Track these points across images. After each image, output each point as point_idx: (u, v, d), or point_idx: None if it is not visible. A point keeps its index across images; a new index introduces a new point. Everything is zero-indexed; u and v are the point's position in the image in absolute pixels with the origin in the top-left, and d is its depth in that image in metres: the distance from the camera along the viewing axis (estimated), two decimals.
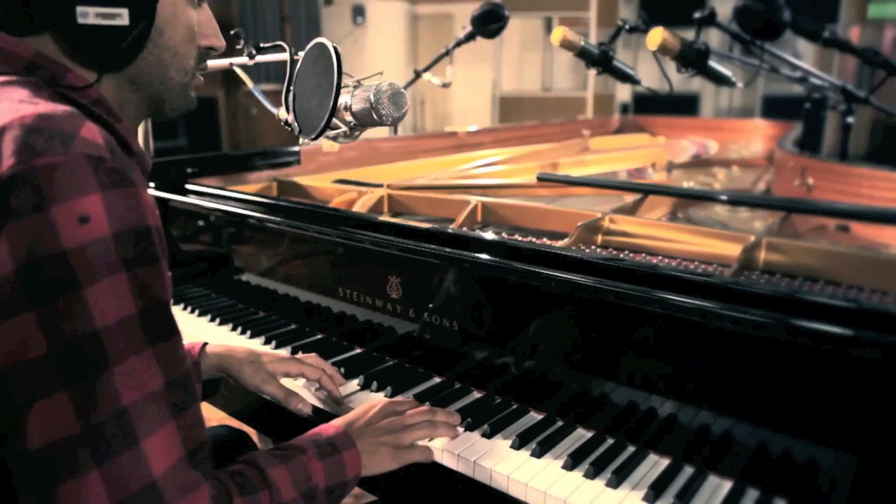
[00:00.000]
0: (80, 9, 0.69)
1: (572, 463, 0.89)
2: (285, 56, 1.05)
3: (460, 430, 0.99)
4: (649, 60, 1.85)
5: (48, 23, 0.70)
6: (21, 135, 0.60)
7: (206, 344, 1.10)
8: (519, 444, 0.94)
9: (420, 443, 0.94)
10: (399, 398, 1.06)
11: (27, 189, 0.58)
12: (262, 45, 1.26)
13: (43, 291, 0.58)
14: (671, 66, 1.78)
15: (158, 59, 0.77)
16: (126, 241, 0.62)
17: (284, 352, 1.27)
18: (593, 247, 1.26)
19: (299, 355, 1.11)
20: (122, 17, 0.71)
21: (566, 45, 1.84)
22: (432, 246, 1.12)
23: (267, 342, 1.31)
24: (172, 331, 0.67)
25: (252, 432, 1.34)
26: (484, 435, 0.97)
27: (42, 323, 0.58)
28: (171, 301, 0.68)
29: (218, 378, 1.11)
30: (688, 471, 0.89)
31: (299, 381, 1.12)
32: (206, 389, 1.09)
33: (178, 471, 0.63)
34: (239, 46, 1.27)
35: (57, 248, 0.58)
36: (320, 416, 1.06)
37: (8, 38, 0.70)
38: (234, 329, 1.38)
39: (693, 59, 1.71)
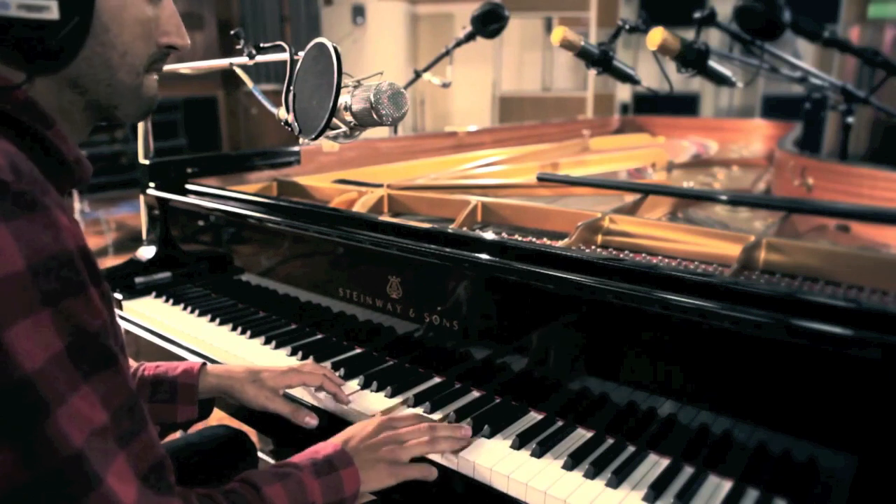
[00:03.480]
0: None
1: (572, 463, 0.89)
2: (285, 56, 1.05)
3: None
4: (649, 60, 1.85)
5: None
6: None
7: (204, 364, 1.08)
8: (519, 444, 0.94)
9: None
10: (397, 413, 1.04)
11: None
12: (262, 45, 1.26)
13: None
14: (671, 66, 1.78)
15: (104, 60, 0.68)
16: (44, 273, 0.55)
17: (284, 351, 1.27)
18: (593, 247, 1.26)
19: (296, 364, 1.10)
20: (51, 10, 0.61)
21: (566, 45, 1.83)
22: (432, 246, 1.12)
23: (267, 342, 1.31)
24: (108, 358, 0.61)
25: (251, 432, 1.34)
26: (484, 435, 0.97)
27: None
28: (106, 324, 0.62)
29: (211, 399, 1.09)
30: (688, 471, 0.89)
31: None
32: (200, 408, 1.07)
33: (142, 498, 0.60)
34: (239, 46, 1.27)
35: None
36: (322, 416, 1.06)
37: None
38: (234, 329, 1.38)
39: (693, 59, 1.71)
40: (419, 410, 1.05)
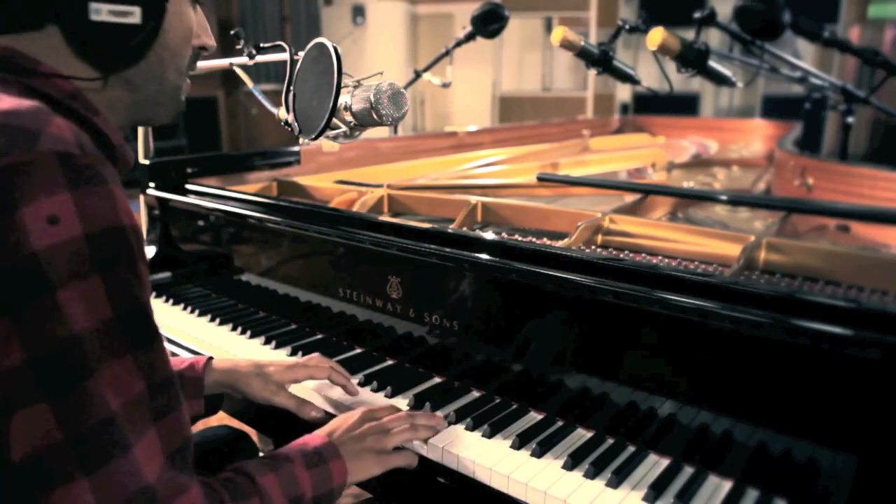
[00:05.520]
0: (92, 5, 0.66)
1: (572, 463, 0.89)
2: (285, 56, 1.05)
3: (460, 427, 0.99)
4: (649, 60, 1.85)
5: (56, 18, 0.67)
6: None
7: (210, 359, 1.09)
8: (519, 444, 0.94)
9: (409, 444, 0.95)
10: (377, 405, 1.04)
11: None
12: (262, 45, 1.26)
13: (15, 297, 0.56)
14: (671, 66, 1.78)
15: (159, 60, 0.75)
16: (99, 242, 0.59)
17: (284, 352, 1.27)
18: (593, 247, 1.26)
19: (302, 359, 1.11)
20: (135, 15, 0.69)
21: (566, 45, 1.83)
22: (432, 246, 1.12)
23: (267, 342, 1.31)
24: (153, 333, 0.65)
25: (252, 432, 1.34)
26: (484, 435, 0.97)
27: (16, 330, 0.56)
28: (150, 302, 0.66)
29: (220, 394, 1.10)
30: (688, 471, 0.89)
31: (308, 383, 1.11)
32: (208, 405, 1.07)
33: (166, 474, 0.62)
34: (239, 46, 1.27)
35: (26, 251, 0.56)
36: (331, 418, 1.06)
37: None
38: (234, 329, 1.38)
39: (693, 59, 1.71)
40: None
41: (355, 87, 0.98)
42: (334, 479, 0.85)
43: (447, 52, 2.43)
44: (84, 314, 0.58)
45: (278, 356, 1.26)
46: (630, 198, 1.50)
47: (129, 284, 0.62)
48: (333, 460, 0.86)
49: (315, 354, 1.14)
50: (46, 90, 0.67)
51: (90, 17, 0.66)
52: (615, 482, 0.86)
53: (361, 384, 1.13)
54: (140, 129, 1.72)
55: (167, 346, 1.40)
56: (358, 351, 1.27)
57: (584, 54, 1.87)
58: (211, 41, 0.83)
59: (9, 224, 0.55)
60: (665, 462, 0.91)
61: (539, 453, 0.92)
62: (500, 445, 0.95)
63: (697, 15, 1.77)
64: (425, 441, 0.95)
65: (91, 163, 0.60)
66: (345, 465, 0.86)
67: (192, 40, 0.80)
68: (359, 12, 8.09)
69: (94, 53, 0.69)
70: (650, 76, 2.08)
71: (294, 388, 1.09)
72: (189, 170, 1.70)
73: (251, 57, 1.28)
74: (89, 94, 0.71)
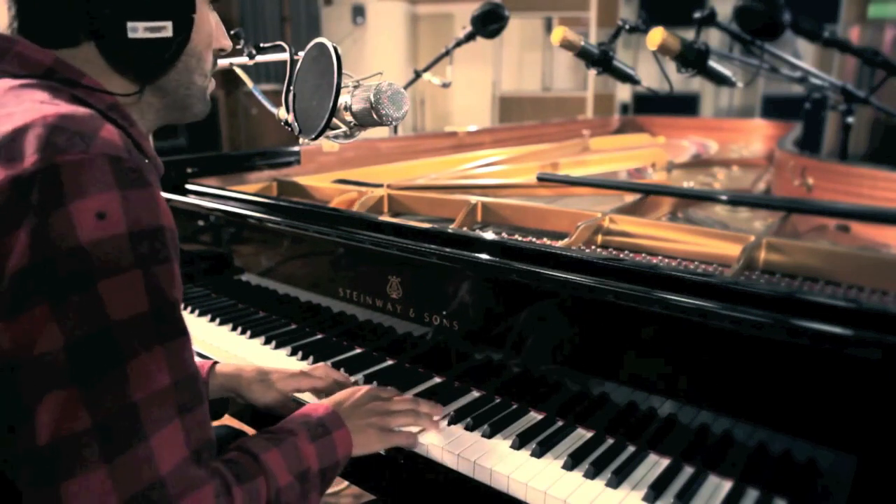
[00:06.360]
0: (130, 24, 0.72)
1: (572, 463, 0.89)
2: (285, 56, 1.05)
3: (459, 428, 0.99)
4: (649, 60, 1.85)
5: (93, 37, 0.72)
6: (44, 133, 0.61)
7: (215, 363, 1.10)
8: (519, 444, 0.94)
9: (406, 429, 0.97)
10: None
11: (49, 185, 0.59)
12: (262, 45, 1.26)
13: (59, 285, 0.59)
14: (671, 66, 1.78)
15: (186, 66, 0.79)
16: (140, 240, 0.63)
17: (284, 352, 1.27)
18: (593, 247, 1.26)
19: (307, 368, 1.11)
20: (167, 29, 0.74)
21: (566, 45, 1.83)
22: (432, 246, 1.12)
23: (267, 342, 1.31)
24: (181, 331, 0.67)
25: (252, 432, 1.34)
26: (484, 435, 0.97)
27: (57, 316, 0.59)
28: (181, 302, 0.69)
29: (226, 398, 1.11)
30: (688, 471, 0.89)
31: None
32: (213, 409, 1.08)
33: (183, 469, 0.64)
34: (239, 46, 1.27)
35: (74, 242, 0.59)
36: None
37: (29, 45, 0.72)
38: (234, 329, 1.38)
39: (693, 59, 1.71)
40: None
41: (355, 87, 0.98)
42: (339, 450, 0.86)
43: (447, 52, 2.43)
44: (121, 306, 0.61)
45: (278, 356, 1.26)
46: (630, 198, 1.50)
47: (164, 282, 0.65)
48: (337, 430, 0.87)
49: (320, 365, 1.14)
50: (88, 100, 0.72)
51: (128, 36, 0.72)
52: (615, 482, 0.86)
53: (362, 384, 1.13)
54: None
55: None
56: (358, 351, 1.27)
57: (584, 54, 1.87)
58: (228, 42, 0.87)
59: (61, 216, 0.59)
60: (665, 462, 0.91)
61: (539, 453, 0.92)
62: (501, 445, 0.95)
63: (697, 15, 1.77)
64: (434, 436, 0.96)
65: (138, 167, 0.64)
66: (349, 435, 0.88)
67: (213, 43, 0.84)
68: (359, 12, 8.09)
69: (130, 67, 0.75)
70: (650, 76, 2.08)
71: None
72: (189, 170, 1.70)
73: (251, 57, 1.28)
74: (123, 102, 0.76)
